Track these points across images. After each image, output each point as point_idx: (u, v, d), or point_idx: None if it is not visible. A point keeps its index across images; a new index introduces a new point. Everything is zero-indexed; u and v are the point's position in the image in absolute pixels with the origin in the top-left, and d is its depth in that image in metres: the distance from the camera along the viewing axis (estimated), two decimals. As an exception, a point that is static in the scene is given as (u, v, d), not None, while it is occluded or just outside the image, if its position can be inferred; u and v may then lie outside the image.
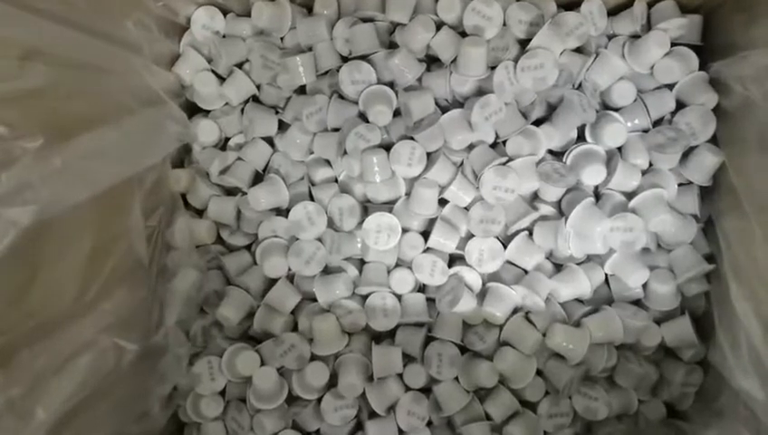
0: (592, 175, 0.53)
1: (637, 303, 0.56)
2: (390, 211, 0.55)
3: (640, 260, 0.54)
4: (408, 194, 0.55)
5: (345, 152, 0.54)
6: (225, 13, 0.60)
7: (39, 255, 0.37)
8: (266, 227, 0.57)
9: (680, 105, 0.55)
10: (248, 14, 0.59)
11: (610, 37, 0.58)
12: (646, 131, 0.55)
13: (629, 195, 0.54)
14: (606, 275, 0.55)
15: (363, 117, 0.56)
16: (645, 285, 0.54)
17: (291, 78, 0.57)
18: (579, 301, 0.56)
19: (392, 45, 0.57)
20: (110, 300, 0.44)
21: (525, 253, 0.56)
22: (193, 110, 0.62)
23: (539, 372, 0.54)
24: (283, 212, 0.58)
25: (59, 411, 0.37)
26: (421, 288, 0.56)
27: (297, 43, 0.58)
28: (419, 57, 0.56)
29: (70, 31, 0.42)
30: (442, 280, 0.53)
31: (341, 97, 0.57)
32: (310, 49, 0.57)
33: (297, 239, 0.56)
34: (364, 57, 0.56)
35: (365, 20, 0.56)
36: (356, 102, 0.56)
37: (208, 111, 0.61)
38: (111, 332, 0.43)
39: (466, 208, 0.55)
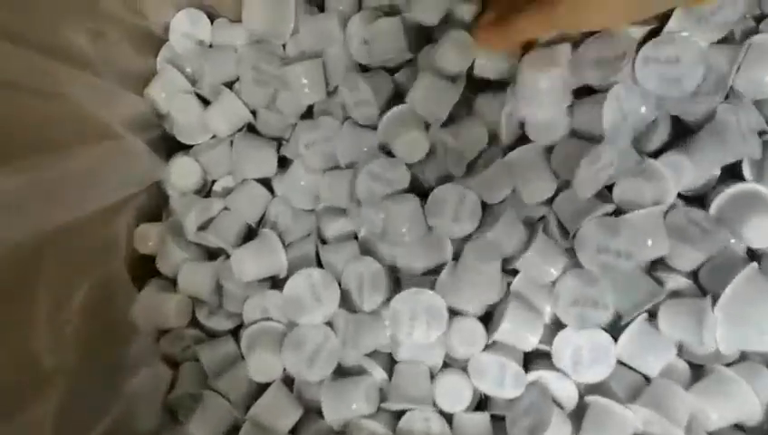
0: (761, 231, 0.33)
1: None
2: (432, 286, 0.36)
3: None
4: (456, 258, 0.37)
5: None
6: (212, 19, 0.45)
7: None
8: (254, 305, 0.40)
9: None
10: (241, 19, 0.44)
11: (759, 19, 0.39)
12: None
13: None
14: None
15: (388, 151, 0.39)
16: None
17: (292, 96, 0.41)
18: (739, 427, 0.34)
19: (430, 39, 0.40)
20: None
21: (646, 349, 0.36)
22: (176, 144, 0.46)
23: None
24: (281, 283, 0.40)
25: None
26: (482, 402, 0.37)
27: (302, 50, 0.42)
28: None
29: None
30: (516, 392, 0.37)
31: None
32: (318, 56, 0.41)
33: (297, 325, 0.38)
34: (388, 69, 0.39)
35: (389, 14, 0.40)
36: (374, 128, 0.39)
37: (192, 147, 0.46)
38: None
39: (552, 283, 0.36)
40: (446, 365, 0.38)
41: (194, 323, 0.43)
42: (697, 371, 0.37)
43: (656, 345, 0.36)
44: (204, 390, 0.40)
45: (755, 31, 0.39)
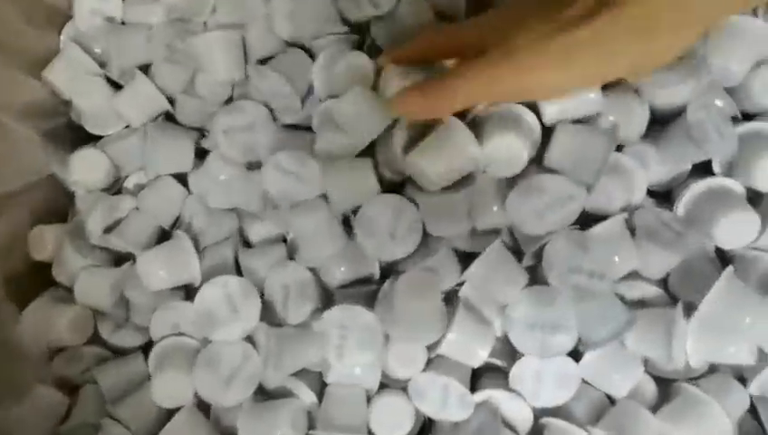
0: (735, 230, 0.29)
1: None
2: (366, 301, 0.31)
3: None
4: (385, 275, 0.32)
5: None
6: (126, -8, 0.40)
7: None
8: (162, 319, 0.35)
9: None
10: (159, -7, 0.39)
11: None
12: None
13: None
14: (751, 398, 0.33)
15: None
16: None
17: (207, 74, 0.36)
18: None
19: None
20: None
21: (613, 368, 0.31)
22: (85, 135, 0.41)
23: None
24: (196, 294, 0.35)
25: None
26: (426, 425, 0.34)
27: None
28: None
29: None
30: (463, 415, 0.32)
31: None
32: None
33: (211, 341, 0.33)
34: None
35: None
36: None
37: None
38: None
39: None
40: (383, 386, 0.33)
41: (97, 339, 0.37)
42: (664, 386, 0.33)
43: (623, 364, 0.32)
44: (104, 418, 0.34)
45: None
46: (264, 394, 0.34)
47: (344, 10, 0.36)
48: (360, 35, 0.36)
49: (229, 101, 0.38)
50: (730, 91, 0.33)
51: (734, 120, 0.32)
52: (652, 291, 0.32)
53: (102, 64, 0.40)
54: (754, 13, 0.32)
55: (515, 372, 0.31)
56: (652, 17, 0.23)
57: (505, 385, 0.31)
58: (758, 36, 0.31)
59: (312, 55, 0.35)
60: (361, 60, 0.32)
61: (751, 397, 0.32)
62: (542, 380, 0.31)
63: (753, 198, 0.32)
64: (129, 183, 0.39)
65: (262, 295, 0.33)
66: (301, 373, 0.33)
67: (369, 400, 0.32)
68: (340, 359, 0.30)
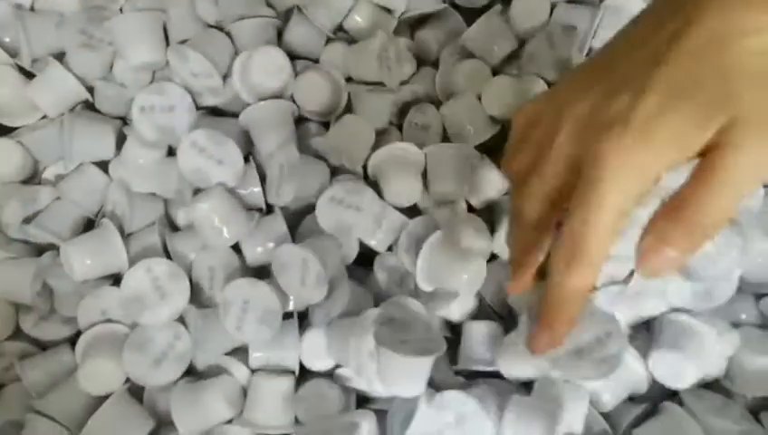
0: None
1: (711, 387, 0.34)
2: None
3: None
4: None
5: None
6: (37, -21, 0.39)
7: None
8: (90, 306, 0.34)
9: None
10: (68, -22, 0.38)
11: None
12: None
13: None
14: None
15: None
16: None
17: (127, 58, 0.35)
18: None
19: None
20: None
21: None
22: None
23: None
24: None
25: None
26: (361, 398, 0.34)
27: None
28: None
29: None
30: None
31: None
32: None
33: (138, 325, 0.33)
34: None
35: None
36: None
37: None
38: None
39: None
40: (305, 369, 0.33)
41: (19, 334, 0.36)
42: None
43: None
44: (28, 414, 0.33)
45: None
46: (197, 375, 0.34)
47: None
48: (284, 21, 0.37)
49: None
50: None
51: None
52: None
53: (13, 53, 0.39)
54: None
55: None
56: None
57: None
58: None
59: (231, 38, 0.36)
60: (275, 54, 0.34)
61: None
62: None
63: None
64: (49, 174, 0.39)
65: (192, 279, 0.34)
66: (236, 351, 0.34)
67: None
68: (238, 330, 0.31)
